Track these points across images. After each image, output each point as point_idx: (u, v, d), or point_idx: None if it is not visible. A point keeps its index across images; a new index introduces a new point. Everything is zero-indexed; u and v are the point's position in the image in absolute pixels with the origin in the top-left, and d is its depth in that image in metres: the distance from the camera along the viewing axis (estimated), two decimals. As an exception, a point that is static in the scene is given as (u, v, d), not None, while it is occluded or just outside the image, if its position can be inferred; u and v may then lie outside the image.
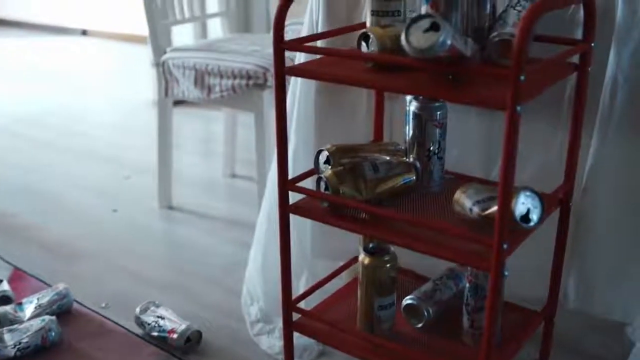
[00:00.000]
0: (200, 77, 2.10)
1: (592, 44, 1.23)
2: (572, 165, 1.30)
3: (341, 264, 1.59)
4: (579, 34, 1.30)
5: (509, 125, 1.00)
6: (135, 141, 3.24)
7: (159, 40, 2.23)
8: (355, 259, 1.48)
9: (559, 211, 1.32)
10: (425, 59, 1.03)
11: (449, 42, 1.00)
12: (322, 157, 1.38)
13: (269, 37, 2.28)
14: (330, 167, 1.35)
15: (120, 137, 3.36)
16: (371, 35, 1.19)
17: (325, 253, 1.69)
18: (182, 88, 2.17)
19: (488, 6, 1.25)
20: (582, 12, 1.24)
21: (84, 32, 6.18)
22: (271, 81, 2.01)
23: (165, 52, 2.23)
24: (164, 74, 2.20)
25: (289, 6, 1.22)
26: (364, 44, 1.21)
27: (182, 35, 2.82)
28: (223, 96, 2.07)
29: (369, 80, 1.16)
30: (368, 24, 1.28)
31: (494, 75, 1.03)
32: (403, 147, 1.43)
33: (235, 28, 3.38)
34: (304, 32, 1.59)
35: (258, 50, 2.13)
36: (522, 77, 0.98)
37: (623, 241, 1.35)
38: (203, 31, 2.64)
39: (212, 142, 3.30)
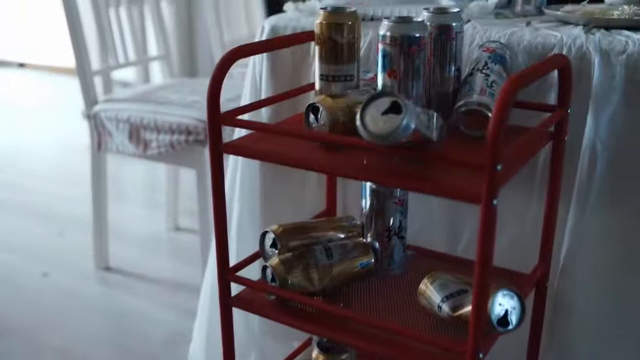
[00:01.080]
0: (135, 132, 1.92)
1: (569, 111, 1.10)
2: (548, 244, 1.17)
3: (295, 345, 1.42)
4: (552, 98, 1.17)
5: (485, 221, 0.85)
6: (70, 190, 3.01)
7: (89, 90, 2.04)
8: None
9: (534, 293, 1.18)
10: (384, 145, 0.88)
11: (412, 125, 0.84)
12: (268, 239, 1.21)
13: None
14: (277, 251, 1.18)
15: (53, 185, 3.12)
16: (320, 108, 1.03)
17: (276, 332, 1.51)
18: (115, 142, 1.98)
19: (452, 69, 1.11)
20: (555, 73, 1.11)
21: (22, 65, 5.92)
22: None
23: (97, 102, 2.04)
24: (96, 127, 2.01)
25: (224, 75, 1.06)
26: (312, 116, 1.05)
27: (124, 71, 2.61)
28: (160, 153, 1.89)
29: (318, 163, 1.00)
30: (317, 88, 1.13)
31: (466, 165, 0.87)
32: (359, 222, 1.27)
33: (179, 71, 3.21)
34: (246, 95, 1.43)
35: (198, 101, 1.96)
36: (499, 167, 0.83)
37: (605, 326, 1.21)
38: (145, 71, 2.45)
39: (155, 190, 3.09)
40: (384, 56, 1.00)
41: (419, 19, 1.02)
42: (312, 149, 1.03)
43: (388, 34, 0.99)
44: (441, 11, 1.10)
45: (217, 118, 1.05)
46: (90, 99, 2.03)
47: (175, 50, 3.16)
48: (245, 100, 1.44)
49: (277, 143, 1.05)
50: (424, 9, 1.10)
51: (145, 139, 1.90)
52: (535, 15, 1.41)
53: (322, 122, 1.03)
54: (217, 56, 2.52)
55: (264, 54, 1.41)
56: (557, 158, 1.12)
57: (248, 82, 1.43)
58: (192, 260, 2.20)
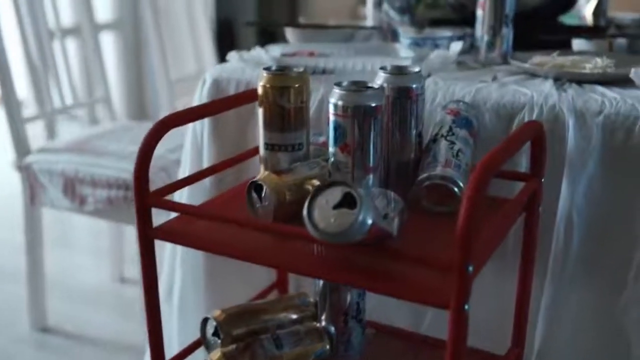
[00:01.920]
0: (70, 186, 1.76)
1: (542, 180, 0.99)
2: (521, 328, 1.06)
3: None
4: (522, 164, 1.06)
5: (455, 328, 0.73)
6: (3, 234, 2.80)
7: (21, 139, 1.87)
8: None
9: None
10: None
11: (369, 221, 0.71)
12: (210, 326, 1.07)
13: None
14: (219, 341, 1.04)
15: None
16: (264, 187, 0.90)
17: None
18: (50, 196, 1.82)
19: (413, 134, 0.99)
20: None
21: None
22: (155, 192, 1.68)
23: (29, 153, 1.88)
24: (29, 179, 1.84)
25: (152, 150, 0.92)
26: (255, 195, 0.92)
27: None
28: (98, 209, 1.73)
29: (262, 256, 0.86)
30: (261, 156, 0.99)
31: (432, 266, 0.75)
32: (313, 300, 1.14)
33: (128, 112, 3.03)
34: (187, 157, 1.29)
35: (140, 152, 1.80)
36: (471, 268, 0.71)
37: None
38: (92, 112, 2.27)
39: (98, 236, 2.88)
40: (335, 128, 0.88)
41: (375, 85, 0.90)
42: (256, 234, 0.89)
43: (340, 103, 0.87)
44: (400, 71, 0.98)
45: (145, 199, 0.91)
46: (21, 149, 1.87)
47: (120, 90, 2.99)
48: (185, 164, 1.31)
49: (216, 226, 0.92)
50: (381, 68, 0.98)
51: (81, 194, 1.74)
52: (501, 64, 1.31)
53: (267, 203, 0.90)
54: (163, 96, 2.37)
55: (206, 121, 1.27)
56: (531, 231, 1.01)
57: (189, 141, 1.30)
58: (139, 315, 2.03)
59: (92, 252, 2.75)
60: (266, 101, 0.97)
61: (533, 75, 1.19)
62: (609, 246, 1.06)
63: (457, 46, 1.29)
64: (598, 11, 1.70)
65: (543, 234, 1.05)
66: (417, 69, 0.98)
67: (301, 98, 0.97)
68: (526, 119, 1.06)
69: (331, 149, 0.89)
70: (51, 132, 2.11)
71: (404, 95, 0.96)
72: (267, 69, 0.98)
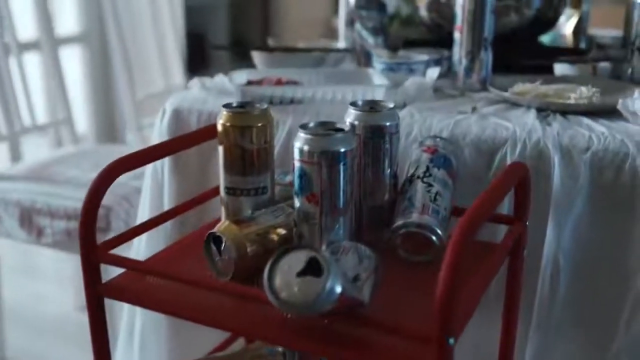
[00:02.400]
0: (27, 217, 1.66)
1: (527, 223, 0.91)
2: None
3: None
4: (504, 204, 0.98)
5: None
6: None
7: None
8: None
9: None
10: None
11: (338, 290, 0.63)
12: (168, 385, 0.98)
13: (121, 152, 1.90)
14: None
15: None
16: (223, 239, 0.81)
17: None
18: (5, 227, 1.71)
19: (387, 176, 0.91)
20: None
21: None
22: (116, 223, 1.59)
23: (-17, 180, 1.77)
24: (-17, 208, 1.73)
25: (101, 197, 0.83)
26: (214, 247, 0.83)
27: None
28: (56, 240, 1.63)
29: (220, 318, 0.77)
30: (221, 198, 0.91)
31: (409, 336, 0.67)
32: (281, 350, 1.05)
33: (95, 133, 2.91)
34: (146, 195, 1.20)
35: (101, 179, 1.71)
36: (451, 340, 0.63)
37: None
38: (57, 134, 2.17)
39: (61, 261, 2.76)
40: (300, 176, 0.79)
41: (344, 127, 0.82)
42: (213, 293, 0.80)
43: (305, 148, 0.78)
44: (372, 108, 0.90)
45: (93, 254, 0.82)
46: (-26, 175, 1.76)
47: (87, 109, 2.87)
48: (144, 202, 1.22)
49: (169, 282, 0.83)
50: (351, 104, 0.90)
51: (39, 225, 1.64)
52: (480, 90, 1.24)
53: (226, 257, 0.82)
54: (129, 116, 2.27)
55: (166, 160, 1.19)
56: (515, 276, 0.94)
57: (149, 176, 1.21)
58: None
59: (54, 280, 2.64)
60: (226, 141, 0.89)
61: (515, 104, 1.12)
62: (598, 291, 0.99)
63: (433, 73, 1.22)
64: (578, 29, 1.64)
65: (528, 278, 0.98)
66: (390, 105, 0.90)
67: (264, 138, 0.89)
68: (508, 156, 0.98)
69: (296, 199, 0.81)
70: (15, 155, 1.99)
71: (377, 135, 0.88)
72: (228, 105, 0.90)
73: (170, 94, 2.53)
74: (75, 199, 1.62)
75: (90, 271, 0.83)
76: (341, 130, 0.80)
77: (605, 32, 1.88)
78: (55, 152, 2.02)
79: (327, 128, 0.81)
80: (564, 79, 1.22)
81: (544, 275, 0.98)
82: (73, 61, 2.87)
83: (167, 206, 1.16)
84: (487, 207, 0.72)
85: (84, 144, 2.23)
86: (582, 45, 1.59)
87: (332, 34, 3.71)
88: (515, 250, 0.92)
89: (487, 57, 1.24)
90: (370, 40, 1.44)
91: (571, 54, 1.36)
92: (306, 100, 1.14)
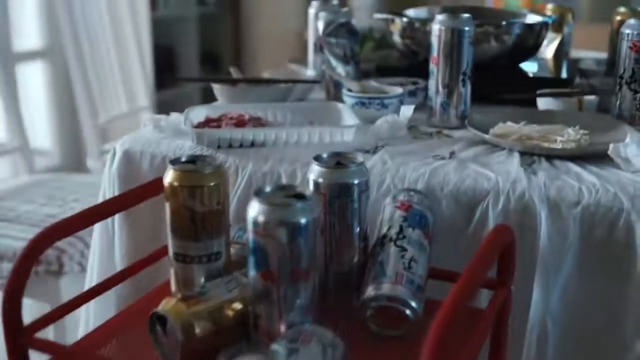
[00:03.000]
0: (-27, 257, 1.54)
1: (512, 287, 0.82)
2: None
3: None
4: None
5: None
6: None
7: None
8: None
9: None
10: None
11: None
12: None
13: (84, 189, 1.78)
14: None
15: None
16: (168, 319, 0.71)
17: None
18: (-49, 267, 1.59)
19: (356, 237, 0.81)
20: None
21: None
22: (70, 266, 1.48)
23: None
24: None
25: (29, 271, 0.73)
26: (159, 328, 0.73)
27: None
28: (3, 285, 1.51)
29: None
30: (171, 264, 0.81)
31: None
32: None
33: (60, 161, 2.76)
34: (95, 259, 1.10)
35: (55, 216, 1.59)
36: None
37: None
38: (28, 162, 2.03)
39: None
40: (254, 250, 0.69)
41: (307, 193, 0.72)
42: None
43: (260, 219, 0.68)
44: (339, 163, 0.80)
45: (18, 337, 0.72)
46: None
47: (51, 133, 2.73)
48: (93, 260, 1.11)
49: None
50: (315, 159, 0.80)
51: (-14, 266, 1.52)
52: (458, 127, 1.14)
53: (172, 338, 0.71)
54: (91, 141, 2.15)
55: (115, 189, 1.08)
56: (499, 344, 0.84)
57: (97, 231, 1.10)
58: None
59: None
60: (174, 202, 0.79)
61: (496, 146, 1.03)
62: (589, 358, 0.89)
63: (408, 110, 1.12)
64: (559, 53, 1.56)
65: (512, 344, 0.88)
66: (359, 160, 0.80)
67: (217, 199, 0.79)
68: (490, 210, 0.89)
69: (251, 273, 0.71)
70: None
71: (344, 194, 0.79)
72: (175, 162, 0.80)
73: (136, 115, 2.44)
74: (24, 239, 1.50)
75: (16, 356, 0.72)
76: (302, 197, 0.70)
77: (588, 54, 1.80)
78: (8, 183, 1.90)
79: (287, 194, 0.71)
80: (548, 115, 1.14)
81: (529, 341, 0.89)
82: (35, 79, 2.73)
83: (118, 264, 1.05)
84: (468, 292, 0.62)
85: (42, 174, 2.10)
86: (564, 69, 1.51)
87: (304, 49, 3.62)
88: (499, 317, 0.82)
89: (465, 91, 1.15)
90: (339, 69, 1.34)
91: (554, 84, 1.27)
92: (269, 143, 1.04)
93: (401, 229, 0.82)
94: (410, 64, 1.42)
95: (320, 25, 1.35)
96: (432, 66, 1.15)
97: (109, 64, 2.26)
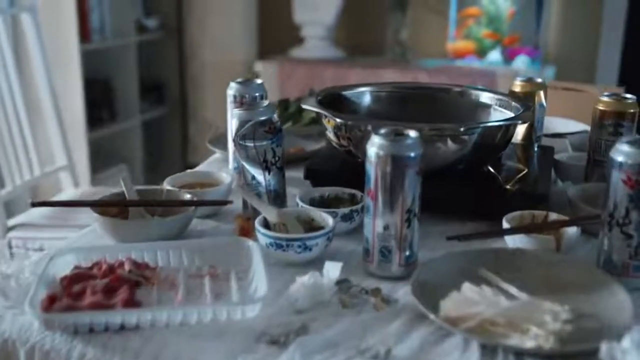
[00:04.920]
0: None
1: None
2: None
3: None
4: None
5: None
6: None
7: None
8: None
9: None
10: None
11: None
12: None
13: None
14: None
15: None
16: None
17: None
18: None
19: None
20: None
21: None
22: None
23: None
24: None
25: None
26: None
27: None
28: None
29: None
30: None
31: None
32: None
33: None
34: None
35: None
36: None
37: None
38: None
39: None
40: None
41: None
42: None
43: None
44: None
45: None
46: None
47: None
48: None
49: None
50: None
51: None
52: (402, 277, 0.89)
53: None
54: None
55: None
56: None
57: None
58: None
59: None
60: None
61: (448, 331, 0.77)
62: None
63: (334, 270, 0.85)
64: (529, 138, 1.31)
65: None
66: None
67: None
68: None
69: None
70: None
71: None
72: None
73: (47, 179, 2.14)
74: None
75: None
76: None
77: (563, 124, 1.56)
78: None
79: None
80: (518, 258, 0.88)
81: None
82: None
83: None
84: None
85: None
86: (534, 162, 1.26)
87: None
88: None
89: (411, 234, 0.89)
90: (258, 178, 1.07)
91: (524, 202, 1.02)
92: (144, 325, 0.77)
93: None
94: (349, 166, 1.15)
95: (233, 126, 1.07)
96: (368, 200, 0.89)
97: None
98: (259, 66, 3.27)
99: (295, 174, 1.22)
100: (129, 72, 3.28)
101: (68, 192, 2.14)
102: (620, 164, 0.85)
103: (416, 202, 0.88)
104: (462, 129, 1.02)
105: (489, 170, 1.15)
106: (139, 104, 3.37)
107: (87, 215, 1.11)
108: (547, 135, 1.48)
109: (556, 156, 1.28)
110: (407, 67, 3.13)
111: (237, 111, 1.07)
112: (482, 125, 1.02)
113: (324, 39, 3.28)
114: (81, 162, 2.96)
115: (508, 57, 3.11)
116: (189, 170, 1.26)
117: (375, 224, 0.89)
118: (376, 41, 3.38)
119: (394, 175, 0.86)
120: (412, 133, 0.88)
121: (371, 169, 0.87)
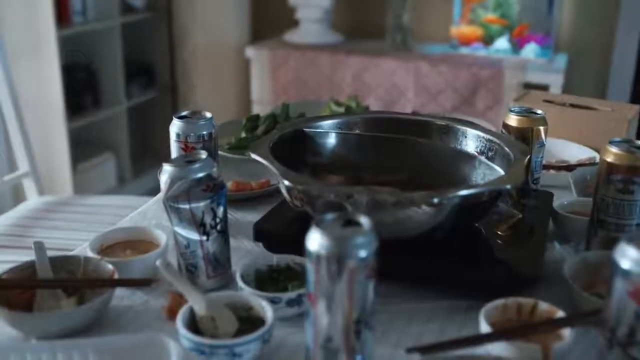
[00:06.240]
0: None
1: None
2: None
3: None
4: None
5: None
6: None
7: None
8: None
9: None
10: None
11: None
12: None
13: None
14: None
15: None
16: None
17: None
18: None
19: None
20: None
21: None
22: None
23: None
24: None
25: None
26: None
27: None
28: None
29: None
30: None
31: None
32: None
33: None
34: None
35: None
36: None
37: None
38: None
39: None
40: None
41: None
42: None
43: None
44: None
45: None
46: None
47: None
48: None
49: None
50: None
51: None
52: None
53: None
54: None
55: None
56: None
57: None
58: None
59: None
60: None
61: None
62: None
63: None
64: (524, 184, 1.12)
65: None
66: None
67: None
68: None
69: None
70: None
71: None
72: None
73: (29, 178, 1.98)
74: None
75: None
76: None
77: (559, 144, 1.38)
78: None
79: None
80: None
81: None
82: None
83: None
84: None
85: None
86: (530, 213, 1.08)
87: (246, 69, 3.11)
88: None
89: (362, 346, 0.71)
90: (192, 248, 0.90)
91: (515, 281, 0.84)
92: None
93: None
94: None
95: (163, 183, 0.89)
96: (308, 305, 0.71)
97: None
98: (250, 52, 3.07)
99: (257, 215, 1.05)
100: (113, 56, 3.09)
101: (31, 202, 1.98)
102: (626, 272, 0.67)
103: (368, 311, 0.70)
104: (435, 200, 0.83)
105: (471, 234, 0.97)
106: (126, 89, 3.19)
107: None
108: (546, 167, 1.30)
109: (555, 204, 1.10)
110: (408, 54, 2.92)
111: (167, 167, 0.89)
112: (459, 194, 0.83)
113: (320, 22, 3.07)
114: (62, 152, 2.81)
115: (517, 45, 2.89)
116: (122, 226, 1.09)
117: (316, 333, 0.71)
118: (376, 25, 3.17)
119: (339, 280, 0.68)
120: (366, 223, 0.70)
121: (311, 269, 0.70)
